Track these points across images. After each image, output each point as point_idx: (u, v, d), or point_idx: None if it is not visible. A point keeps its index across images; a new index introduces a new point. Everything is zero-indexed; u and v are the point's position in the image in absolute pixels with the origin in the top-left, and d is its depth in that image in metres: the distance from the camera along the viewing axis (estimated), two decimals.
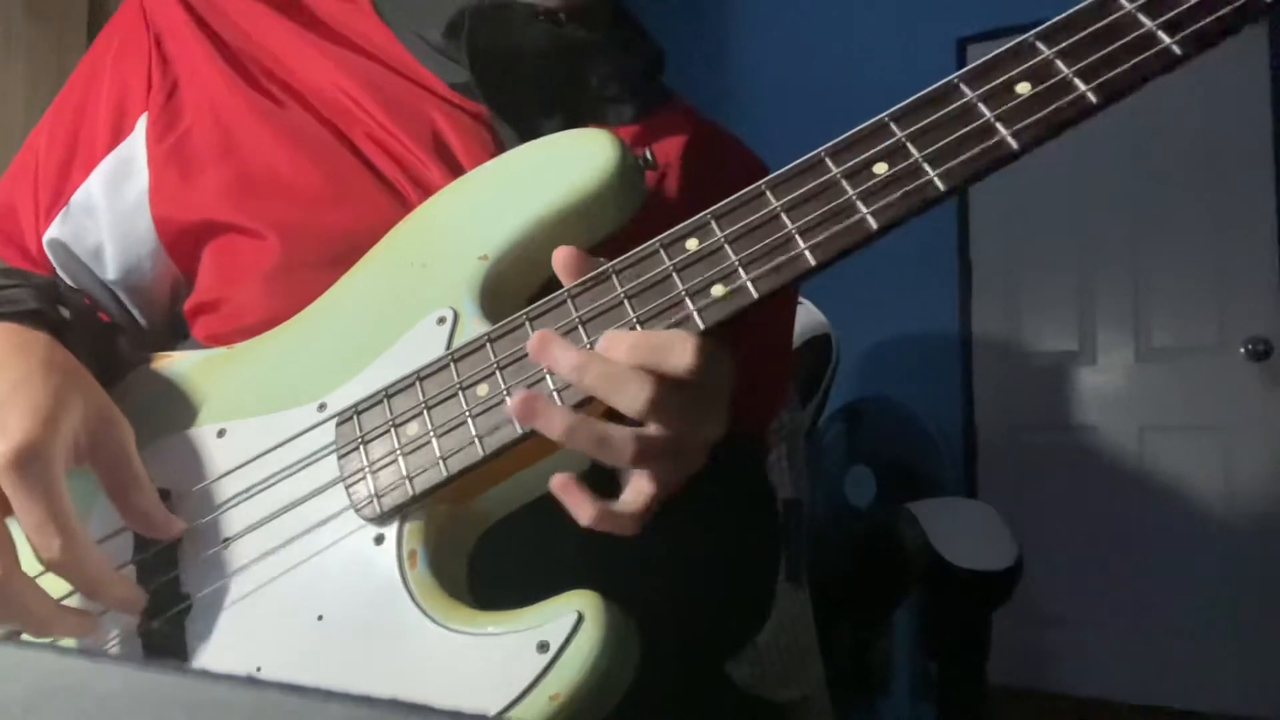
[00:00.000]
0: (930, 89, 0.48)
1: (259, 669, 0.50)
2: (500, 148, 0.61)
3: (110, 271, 0.65)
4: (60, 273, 0.66)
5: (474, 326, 0.53)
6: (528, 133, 0.60)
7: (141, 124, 0.63)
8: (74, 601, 0.54)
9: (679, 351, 0.45)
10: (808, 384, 2.17)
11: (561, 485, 0.47)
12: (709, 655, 0.68)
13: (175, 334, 0.68)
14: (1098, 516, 2.83)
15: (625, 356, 0.46)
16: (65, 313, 0.57)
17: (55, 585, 0.51)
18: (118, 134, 0.64)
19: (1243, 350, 2.69)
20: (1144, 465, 2.82)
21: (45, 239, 0.65)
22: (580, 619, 0.45)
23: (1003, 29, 3.00)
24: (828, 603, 1.79)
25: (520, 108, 0.63)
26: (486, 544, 0.55)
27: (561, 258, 0.51)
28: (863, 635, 2.35)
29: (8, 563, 0.48)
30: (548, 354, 0.47)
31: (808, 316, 2.12)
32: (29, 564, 0.49)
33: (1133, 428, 2.85)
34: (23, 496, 0.47)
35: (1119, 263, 2.89)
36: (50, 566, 0.48)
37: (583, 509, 0.47)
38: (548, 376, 0.49)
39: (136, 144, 0.63)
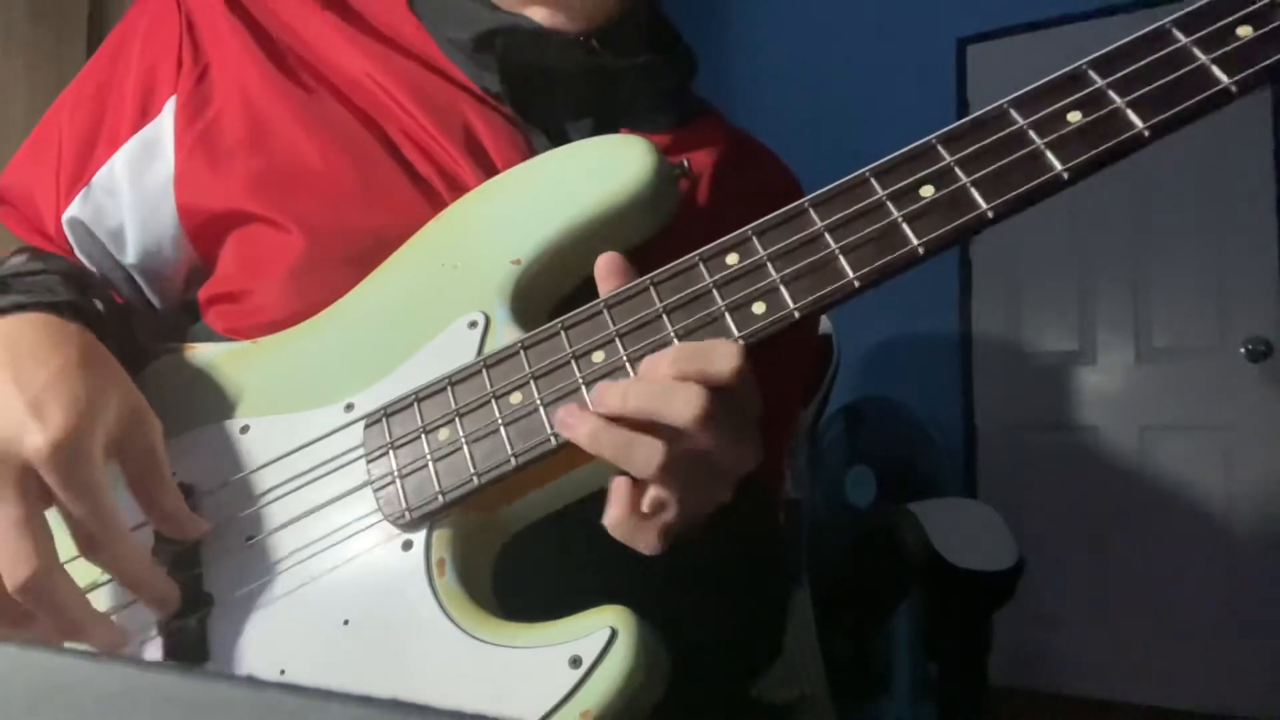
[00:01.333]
0: (979, 113, 0.48)
1: (283, 671, 0.50)
2: (533, 149, 0.61)
3: (130, 254, 0.64)
4: (77, 252, 0.65)
5: (505, 332, 0.53)
6: (559, 139, 0.60)
7: (170, 106, 0.62)
8: (100, 596, 0.54)
9: (722, 355, 0.45)
10: (808, 384, 2.16)
11: (616, 481, 0.47)
12: (720, 675, 0.67)
13: (186, 318, 0.67)
14: (1098, 516, 2.84)
15: (669, 369, 0.45)
16: (98, 304, 0.57)
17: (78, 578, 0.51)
18: (144, 114, 0.62)
19: (1243, 350, 2.69)
20: (1144, 465, 2.82)
21: (65, 218, 0.64)
22: (614, 635, 0.45)
23: (1003, 29, 3.01)
24: (828, 603, 1.79)
25: (553, 119, 0.63)
26: (508, 551, 0.54)
27: (605, 264, 0.51)
28: (863, 635, 2.35)
29: (48, 556, 0.47)
30: (597, 401, 0.47)
31: None
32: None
33: (1133, 428, 2.85)
34: (68, 489, 0.47)
35: (1119, 263, 2.89)
36: (92, 559, 0.48)
37: (614, 506, 0.47)
38: (583, 387, 0.49)
39: (164, 126, 0.62)
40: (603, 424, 0.46)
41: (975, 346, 3.07)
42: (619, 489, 0.47)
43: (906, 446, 2.77)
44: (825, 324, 2.19)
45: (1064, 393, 2.96)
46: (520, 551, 0.54)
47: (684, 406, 0.44)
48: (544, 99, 0.63)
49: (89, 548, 0.48)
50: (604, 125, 0.64)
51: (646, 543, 0.47)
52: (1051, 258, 2.98)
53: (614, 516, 0.47)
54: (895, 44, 3.18)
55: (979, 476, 3.02)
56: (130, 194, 0.62)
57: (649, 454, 0.45)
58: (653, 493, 0.47)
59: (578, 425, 0.46)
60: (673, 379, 0.45)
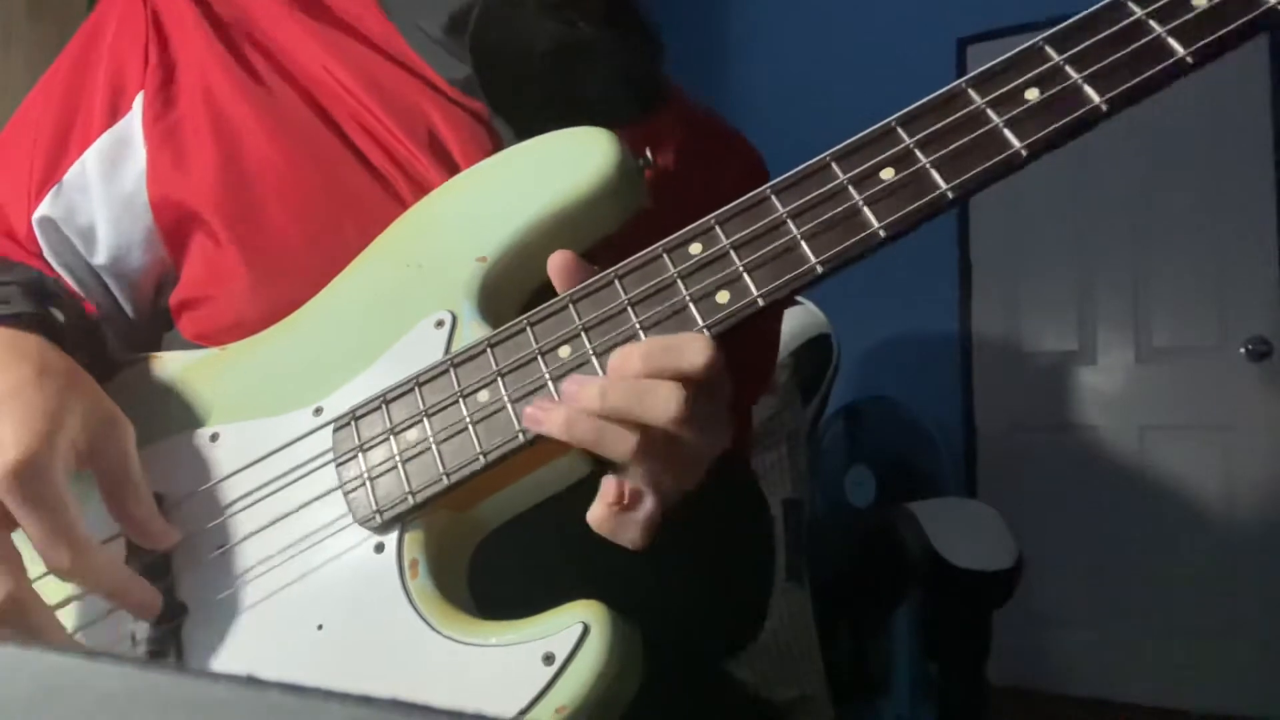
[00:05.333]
0: (938, 93, 0.48)
1: None
2: (498, 146, 0.60)
3: (100, 254, 0.63)
4: (48, 254, 0.64)
5: (472, 330, 0.52)
6: (526, 131, 0.59)
7: (138, 103, 0.62)
8: (72, 609, 0.53)
9: (692, 350, 0.45)
10: (808, 384, 2.16)
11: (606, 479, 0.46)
12: (706, 657, 0.67)
13: (160, 327, 0.66)
14: (1098, 516, 2.83)
15: (640, 365, 0.45)
16: (58, 315, 0.56)
17: (49, 592, 0.50)
18: (114, 112, 0.62)
19: (1243, 350, 2.69)
20: (1144, 465, 2.82)
21: (35, 217, 0.63)
22: (586, 630, 0.45)
23: (1003, 29, 3.01)
24: (828, 603, 1.79)
25: (521, 105, 0.62)
26: (484, 549, 0.54)
27: (557, 263, 0.50)
28: (863, 635, 2.35)
29: (17, 578, 0.47)
30: (571, 396, 0.47)
31: (808, 316, 2.12)
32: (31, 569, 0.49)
33: (1133, 428, 2.85)
34: (26, 511, 0.46)
35: (1119, 263, 2.89)
36: (62, 577, 0.47)
37: (599, 502, 0.46)
38: (549, 383, 0.48)
39: (134, 123, 0.61)
40: (573, 415, 0.46)
41: (975, 346, 3.07)
42: (607, 485, 0.47)
43: (906, 446, 2.77)
44: (825, 324, 2.19)
45: (1064, 393, 2.96)
46: (497, 547, 0.54)
47: (662, 408, 0.44)
48: (514, 82, 0.62)
49: (58, 568, 0.47)
50: (573, 118, 0.63)
51: (630, 538, 0.47)
52: (1051, 258, 2.98)
53: (598, 513, 0.46)
54: (895, 44, 3.18)
55: (979, 476, 3.02)
56: (102, 191, 0.62)
57: (622, 440, 0.45)
58: (631, 484, 0.47)
59: (549, 417, 0.46)
60: (646, 375, 0.45)
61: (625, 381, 0.45)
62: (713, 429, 0.47)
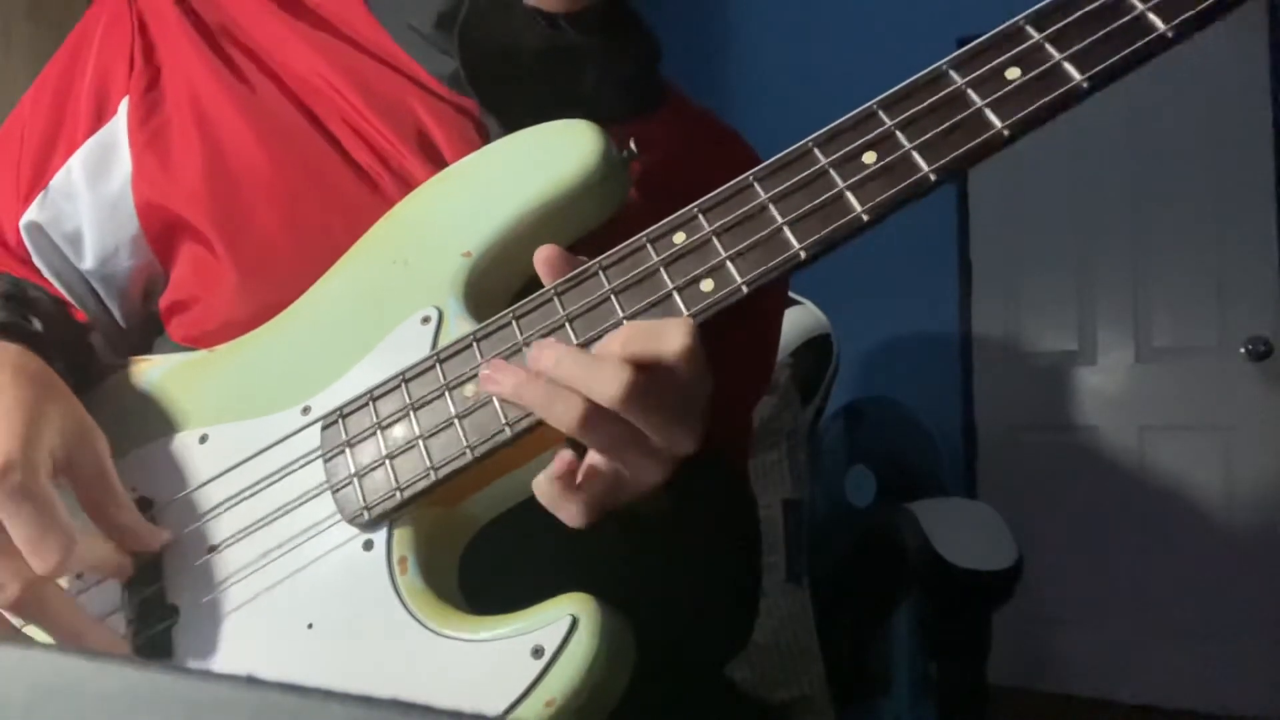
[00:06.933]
0: (919, 75, 0.48)
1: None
2: (486, 142, 0.60)
3: (87, 260, 0.63)
4: (36, 259, 0.64)
5: (459, 325, 0.52)
6: (516, 126, 0.59)
7: (123, 107, 0.62)
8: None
9: (671, 334, 0.45)
10: (808, 384, 2.16)
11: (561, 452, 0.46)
12: (697, 659, 0.67)
13: (151, 332, 0.66)
14: (1098, 516, 2.83)
15: (620, 348, 0.45)
16: (36, 323, 0.56)
17: None
18: (100, 117, 0.62)
19: (1243, 350, 2.69)
20: (1144, 465, 2.82)
21: (22, 222, 0.63)
22: (575, 623, 0.45)
23: None
24: (828, 603, 1.79)
25: (509, 102, 0.62)
26: (476, 544, 0.54)
27: (543, 256, 0.50)
28: (863, 635, 2.35)
29: (30, 571, 0.47)
30: (533, 359, 0.47)
31: (808, 316, 2.12)
32: None
33: (1133, 428, 2.85)
34: (11, 513, 0.46)
35: (1119, 263, 2.89)
36: (58, 572, 0.47)
37: (542, 475, 0.46)
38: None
39: (119, 128, 0.62)
40: (526, 378, 0.46)
41: (975, 346, 3.07)
42: (560, 457, 0.46)
43: (906, 446, 2.77)
44: (825, 324, 2.19)
45: (1064, 393, 2.96)
46: (489, 543, 0.54)
47: (607, 384, 0.44)
48: (503, 80, 0.62)
49: (44, 569, 0.47)
50: (562, 113, 0.62)
51: (569, 515, 0.46)
52: (1051, 258, 2.98)
53: (542, 481, 0.46)
54: (895, 43, 3.18)
55: (979, 476, 3.01)
56: (88, 196, 0.62)
57: (568, 408, 0.44)
58: (585, 463, 0.46)
59: (502, 379, 0.46)
60: (624, 358, 0.45)
61: (581, 355, 0.45)
62: (670, 423, 0.46)
